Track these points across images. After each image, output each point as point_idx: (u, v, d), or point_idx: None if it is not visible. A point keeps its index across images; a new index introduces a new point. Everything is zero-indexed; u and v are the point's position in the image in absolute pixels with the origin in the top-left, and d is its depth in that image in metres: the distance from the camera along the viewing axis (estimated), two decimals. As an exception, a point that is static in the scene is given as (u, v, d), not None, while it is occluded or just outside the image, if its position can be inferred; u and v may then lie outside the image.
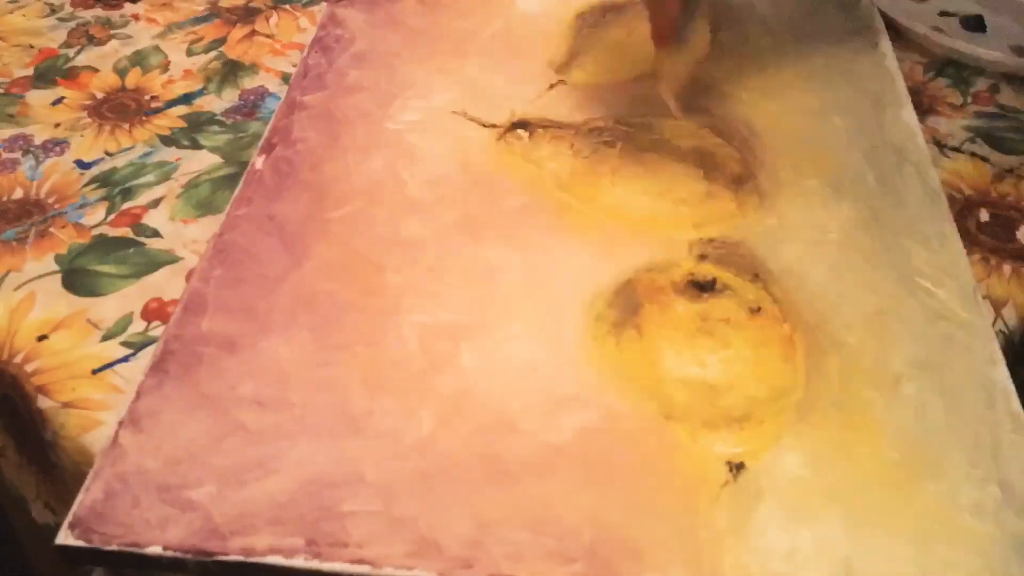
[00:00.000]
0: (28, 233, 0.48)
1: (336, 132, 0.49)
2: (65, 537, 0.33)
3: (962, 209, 0.50)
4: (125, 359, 0.42)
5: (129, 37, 0.62)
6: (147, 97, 0.57)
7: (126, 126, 0.54)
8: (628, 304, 0.41)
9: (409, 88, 0.52)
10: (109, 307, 0.44)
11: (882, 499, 0.34)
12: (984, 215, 0.49)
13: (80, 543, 0.33)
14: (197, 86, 0.57)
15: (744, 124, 0.49)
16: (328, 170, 0.47)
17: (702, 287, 0.41)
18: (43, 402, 0.41)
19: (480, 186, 0.46)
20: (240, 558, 0.32)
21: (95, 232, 0.48)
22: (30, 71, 0.59)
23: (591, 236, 0.44)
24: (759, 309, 0.40)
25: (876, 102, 0.51)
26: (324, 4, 0.64)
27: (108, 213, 0.49)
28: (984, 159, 0.53)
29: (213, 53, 0.60)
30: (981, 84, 0.58)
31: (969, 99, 0.57)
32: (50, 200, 0.50)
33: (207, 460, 0.35)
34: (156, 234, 0.48)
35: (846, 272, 0.42)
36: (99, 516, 0.33)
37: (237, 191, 0.46)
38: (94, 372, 0.41)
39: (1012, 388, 0.38)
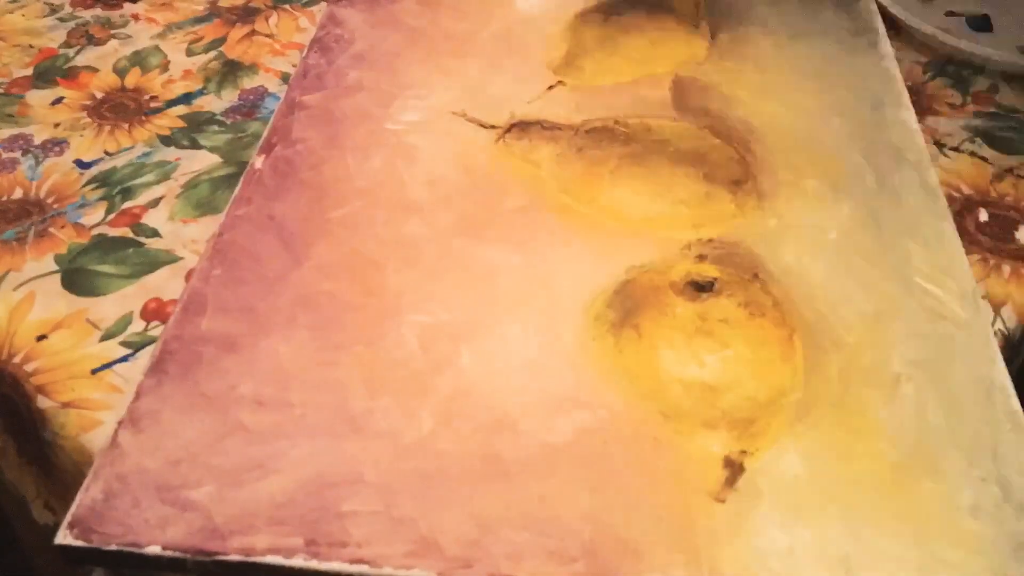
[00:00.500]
0: (28, 233, 0.48)
1: (336, 132, 0.49)
2: (64, 537, 0.33)
3: (961, 209, 0.50)
4: (124, 359, 0.42)
5: (129, 37, 0.62)
6: (147, 97, 0.57)
7: (126, 126, 0.55)
8: (627, 304, 0.41)
9: (409, 88, 0.52)
10: (109, 307, 0.44)
11: (881, 499, 0.34)
12: (983, 215, 0.49)
13: (79, 543, 0.33)
14: (197, 86, 0.57)
15: (743, 125, 0.49)
16: (328, 170, 0.47)
17: (701, 287, 0.41)
18: (43, 402, 0.41)
19: (480, 187, 0.46)
20: (240, 558, 0.32)
21: (95, 232, 0.48)
22: (30, 71, 0.59)
23: (590, 237, 0.44)
24: (758, 309, 0.40)
25: (875, 102, 0.51)
26: (324, 4, 0.64)
27: (107, 213, 0.49)
28: (983, 159, 0.53)
29: (213, 53, 0.60)
30: (981, 84, 0.58)
31: (968, 99, 0.57)
32: (50, 200, 0.50)
33: (207, 460, 0.35)
34: (156, 234, 0.48)
35: (845, 272, 0.42)
36: (98, 516, 0.33)
37: (237, 191, 0.46)
38: (93, 372, 0.41)
39: (1011, 388, 0.38)
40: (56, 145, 0.53)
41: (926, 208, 0.45)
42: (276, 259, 0.42)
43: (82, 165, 0.52)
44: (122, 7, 0.64)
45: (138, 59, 0.60)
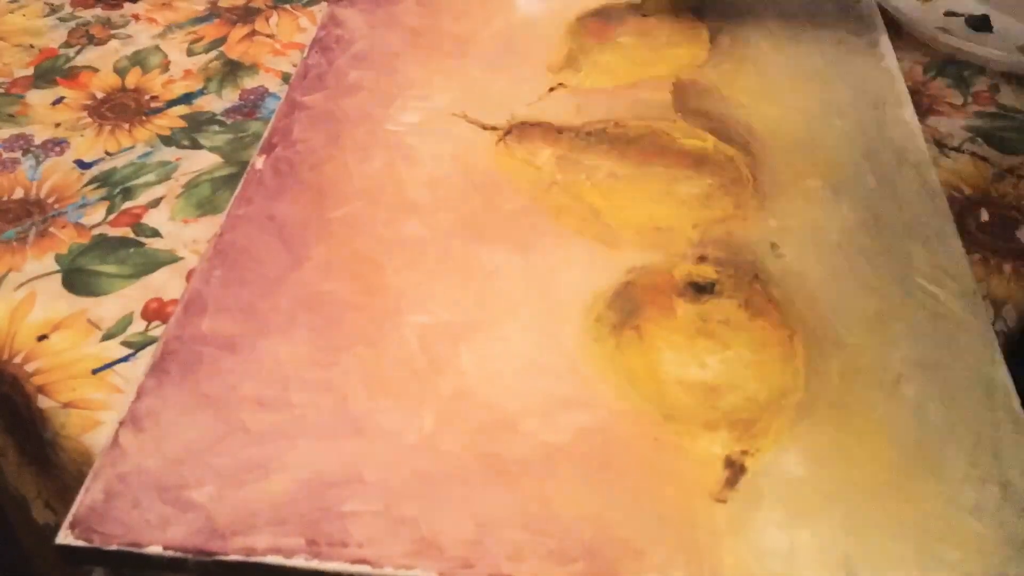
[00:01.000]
0: (28, 233, 0.48)
1: (336, 133, 0.49)
2: (65, 537, 0.33)
3: (962, 209, 0.50)
4: (125, 359, 0.42)
5: (129, 37, 0.62)
6: (147, 97, 0.57)
7: (126, 126, 0.54)
8: (628, 305, 0.41)
9: (409, 89, 0.52)
10: (109, 307, 0.44)
11: (882, 499, 0.34)
12: (984, 215, 0.49)
13: (80, 543, 0.33)
14: (197, 86, 0.57)
15: (743, 125, 0.50)
16: (328, 170, 0.47)
17: (702, 288, 0.41)
18: (43, 402, 0.41)
19: (480, 188, 0.46)
20: (240, 558, 0.32)
21: (95, 232, 0.48)
22: (30, 71, 0.59)
23: (591, 238, 0.44)
24: (759, 310, 0.40)
25: (876, 103, 0.51)
26: (324, 4, 0.64)
27: (108, 213, 0.49)
28: (984, 159, 0.53)
29: (213, 53, 0.60)
30: (981, 84, 0.58)
31: (969, 99, 0.57)
32: (50, 200, 0.50)
33: (207, 460, 0.35)
34: (156, 234, 0.48)
35: (846, 273, 0.42)
36: (99, 516, 0.33)
37: (237, 191, 0.46)
38: (94, 372, 0.41)
39: (1012, 388, 0.38)
40: (56, 145, 0.53)
41: (927, 208, 0.45)
42: (277, 259, 0.42)
43: (83, 165, 0.52)
44: (122, 7, 0.64)
45: (138, 59, 0.60)
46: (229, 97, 0.57)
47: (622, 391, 0.38)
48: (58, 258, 0.46)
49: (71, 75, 0.58)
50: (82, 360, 0.42)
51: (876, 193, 0.46)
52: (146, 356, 0.41)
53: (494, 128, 0.50)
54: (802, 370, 0.38)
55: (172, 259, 0.46)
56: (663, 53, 0.55)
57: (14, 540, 0.49)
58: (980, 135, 0.54)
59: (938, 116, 0.56)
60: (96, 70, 0.59)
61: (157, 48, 0.61)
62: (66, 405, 0.40)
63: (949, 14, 0.63)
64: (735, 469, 0.35)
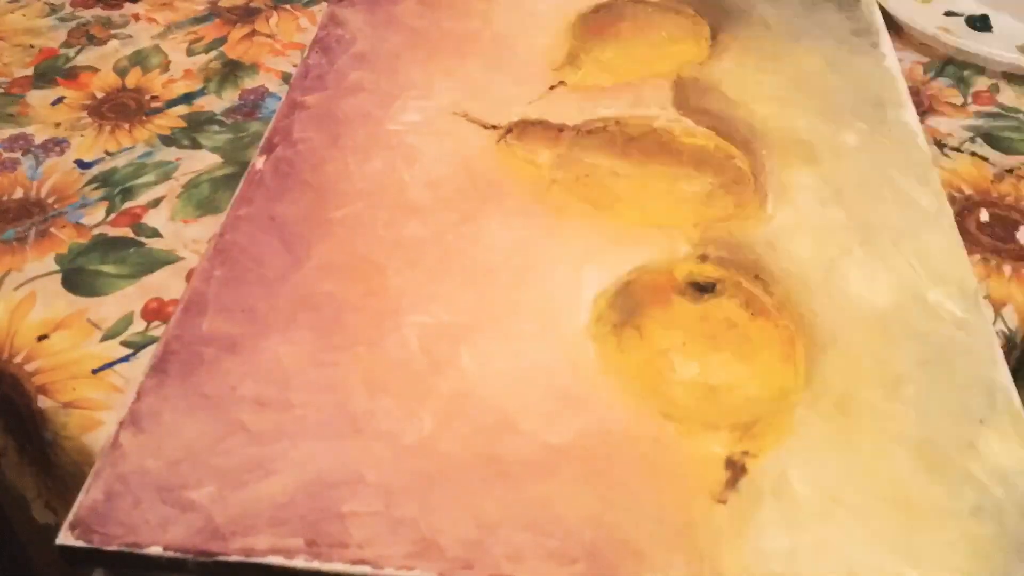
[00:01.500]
0: (28, 233, 0.48)
1: (337, 133, 0.49)
2: (66, 537, 0.33)
3: (962, 209, 0.50)
4: (125, 359, 0.42)
5: (129, 37, 0.62)
6: (147, 97, 0.57)
7: (126, 126, 0.54)
8: (629, 305, 0.41)
9: (410, 89, 0.52)
10: (109, 307, 0.44)
11: (883, 500, 0.34)
12: (984, 215, 0.49)
13: (81, 543, 0.33)
14: (197, 86, 0.57)
15: (745, 124, 0.49)
16: (329, 171, 0.47)
17: (703, 288, 0.41)
18: (43, 402, 0.41)
19: (481, 187, 0.46)
20: (241, 558, 0.32)
21: (95, 232, 0.48)
22: (30, 71, 0.59)
23: (592, 237, 0.44)
24: (760, 310, 0.40)
25: (877, 103, 0.51)
26: (324, 4, 0.64)
27: (108, 213, 0.49)
28: (984, 159, 0.53)
29: (213, 53, 0.60)
30: (981, 84, 0.58)
31: (969, 99, 0.57)
32: (50, 200, 0.50)
33: (208, 460, 0.35)
34: (156, 234, 0.48)
35: (847, 273, 0.42)
36: (100, 516, 0.33)
37: (238, 191, 0.46)
38: (94, 372, 0.41)
39: (1013, 388, 0.38)
40: (57, 145, 0.53)
41: (928, 209, 0.45)
42: (277, 260, 0.42)
43: (83, 165, 0.52)
44: (122, 7, 0.64)
45: (139, 59, 0.60)
46: (229, 97, 0.57)
47: (623, 391, 0.37)
48: (58, 258, 0.46)
49: (71, 75, 0.58)
50: (82, 360, 0.42)
51: (877, 193, 0.46)
52: (146, 356, 0.41)
53: (495, 127, 0.50)
54: (803, 370, 0.38)
55: (172, 259, 0.46)
56: (664, 51, 0.55)
57: (14, 540, 0.49)
58: (980, 135, 0.54)
59: (938, 116, 0.56)
60: (96, 70, 0.59)
61: (157, 48, 0.61)
62: (66, 405, 0.40)
63: (949, 14, 0.63)
64: (736, 470, 0.35)
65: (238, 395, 0.37)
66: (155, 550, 0.32)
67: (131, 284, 0.45)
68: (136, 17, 0.64)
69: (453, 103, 0.51)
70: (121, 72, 0.59)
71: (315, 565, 0.32)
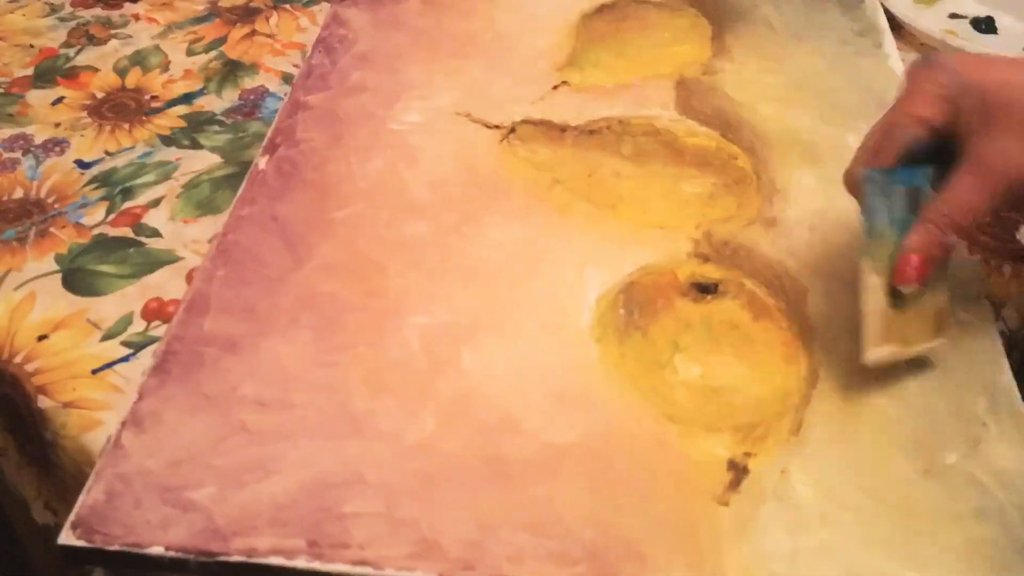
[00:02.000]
0: (28, 233, 0.48)
1: (339, 133, 0.49)
2: (67, 537, 0.33)
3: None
4: (125, 359, 0.42)
5: (129, 37, 0.62)
6: (147, 97, 0.57)
7: (126, 126, 0.54)
8: (631, 306, 0.41)
9: (412, 89, 0.52)
10: (109, 307, 0.44)
11: (884, 502, 0.34)
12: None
13: (82, 543, 0.32)
14: (197, 86, 0.57)
15: (747, 125, 0.49)
16: (331, 171, 0.47)
17: (705, 289, 0.41)
18: (43, 402, 0.40)
19: (483, 187, 0.46)
20: (242, 559, 0.32)
21: (95, 232, 0.48)
22: (30, 71, 0.59)
23: (594, 238, 0.44)
24: (762, 311, 0.40)
25: (880, 103, 0.51)
26: (324, 4, 0.64)
27: (108, 213, 0.49)
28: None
29: (213, 53, 0.60)
30: (982, 85, 0.58)
31: (970, 100, 0.57)
32: (50, 200, 0.50)
33: (209, 461, 0.35)
34: (156, 234, 0.47)
35: (849, 274, 0.42)
36: (101, 516, 0.33)
37: (240, 191, 0.46)
38: (94, 372, 0.41)
39: (1015, 388, 0.38)
40: (56, 145, 0.53)
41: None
42: (279, 260, 0.42)
43: (83, 165, 0.52)
44: (122, 7, 0.64)
45: (139, 59, 0.60)
46: (229, 97, 0.56)
47: (624, 392, 0.37)
48: (58, 258, 0.46)
49: (71, 75, 0.58)
50: (82, 360, 0.42)
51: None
52: (146, 356, 0.41)
53: (497, 127, 0.50)
54: (805, 372, 0.38)
55: (172, 259, 0.46)
56: (667, 52, 0.55)
57: (14, 540, 0.49)
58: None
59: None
60: (96, 70, 0.59)
61: (157, 48, 0.61)
62: (66, 405, 0.40)
63: (953, 16, 0.63)
64: (738, 471, 0.35)
65: (239, 395, 0.37)
66: (156, 550, 0.32)
67: (131, 284, 0.45)
68: (136, 17, 0.63)
69: (455, 103, 0.51)
70: (121, 72, 0.58)
71: (316, 566, 0.32)
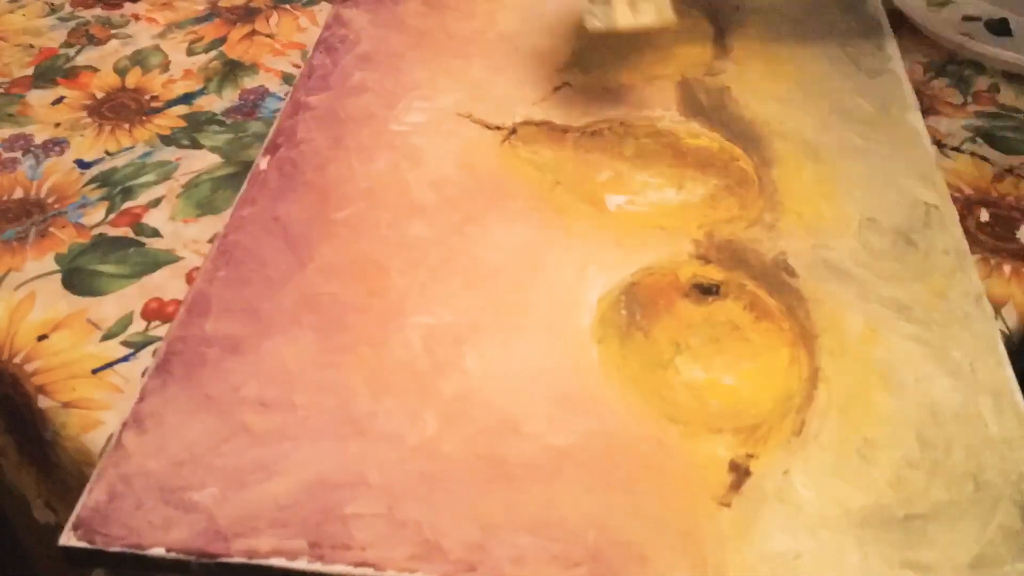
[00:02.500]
0: (28, 233, 0.48)
1: (341, 133, 0.49)
2: (68, 538, 0.33)
3: (962, 209, 0.50)
4: (125, 359, 0.42)
5: (129, 37, 0.61)
6: (147, 97, 0.57)
7: (126, 126, 0.54)
8: (633, 307, 0.41)
9: (414, 89, 0.52)
10: (109, 307, 0.44)
11: (888, 502, 0.34)
12: (984, 215, 0.49)
13: (83, 544, 0.32)
14: (197, 86, 0.57)
15: (749, 126, 0.49)
16: (333, 171, 0.47)
17: (707, 290, 0.41)
18: (43, 402, 0.40)
19: (484, 188, 0.46)
20: (243, 560, 0.32)
21: (95, 232, 0.48)
22: (30, 71, 0.59)
23: (595, 238, 0.44)
24: (764, 313, 0.40)
25: (882, 104, 0.51)
26: (325, 4, 0.63)
27: (108, 213, 0.49)
28: (984, 159, 0.53)
29: (213, 53, 0.60)
30: (981, 84, 0.58)
31: (969, 99, 0.57)
32: (50, 200, 0.50)
33: (210, 462, 0.35)
34: (156, 234, 0.47)
35: (852, 274, 0.42)
36: (102, 517, 0.33)
37: (242, 191, 0.46)
38: (94, 372, 0.41)
39: (1016, 388, 0.38)
40: (56, 145, 0.53)
41: (933, 211, 0.45)
42: (280, 260, 0.42)
43: (83, 165, 0.52)
44: (122, 7, 0.64)
45: (139, 59, 0.59)
46: (229, 97, 0.56)
47: (626, 393, 0.37)
48: (58, 258, 0.46)
49: (71, 75, 0.58)
50: (82, 360, 0.42)
51: (882, 195, 0.46)
52: (146, 356, 0.41)
53: (499, 128, 0.50)
54: (807, 373, 0.38)
55: (172, 259, 0.46)
56: (669, 52, 0.55)
57: (14, 540, 0.49)
58: (980, 135, 0.54)
59: (938, 116, 0.56)
60: (96, 70, 0.59)
61: (157, 48, 0.60)
62: (66, 405, 0.40)
63: (967, 19, 0.63)
64: (740, 472, 0.35)
65: (241, 396, 0.37)
66: (158, 551, 0.32)
67: (131, 284, 0.45)
68: (136, 17, 0.63)
69: (457, 104, 0.51)
70: (121, 72, 0.58)
71: (317, 567, 0.32)
